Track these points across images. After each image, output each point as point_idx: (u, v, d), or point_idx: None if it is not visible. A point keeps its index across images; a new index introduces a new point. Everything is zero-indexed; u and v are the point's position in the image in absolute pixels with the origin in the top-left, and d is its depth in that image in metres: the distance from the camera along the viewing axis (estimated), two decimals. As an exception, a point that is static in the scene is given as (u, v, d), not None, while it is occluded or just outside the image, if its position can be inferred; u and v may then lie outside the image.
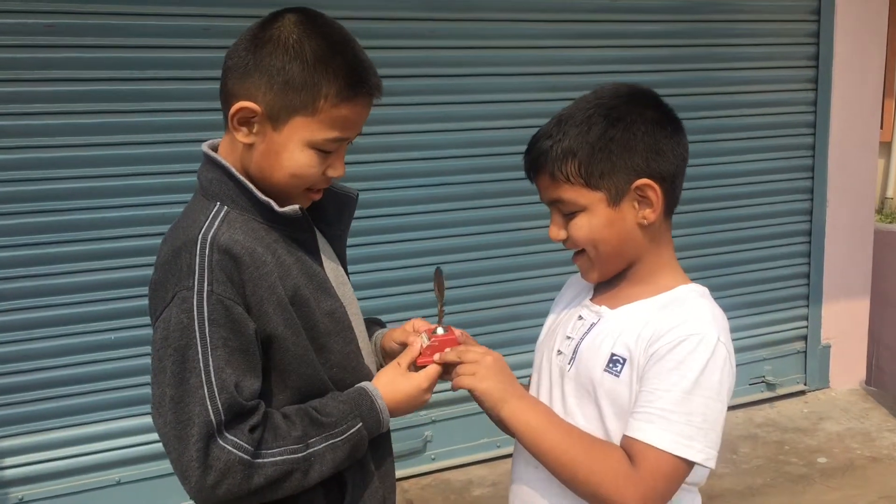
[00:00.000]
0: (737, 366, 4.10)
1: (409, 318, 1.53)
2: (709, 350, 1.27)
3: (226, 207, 1.28)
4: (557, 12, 3.54)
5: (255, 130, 1.26)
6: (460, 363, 1.38)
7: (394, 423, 3.40)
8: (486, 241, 3.53)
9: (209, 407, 1.18)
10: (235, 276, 1.22)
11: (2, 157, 2.83)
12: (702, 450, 1.26)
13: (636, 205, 1.34)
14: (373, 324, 1.61)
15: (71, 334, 2.97)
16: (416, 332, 1.45)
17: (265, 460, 1.22)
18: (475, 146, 3.43)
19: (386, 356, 1.54)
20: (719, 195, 4.02)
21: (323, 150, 1.28)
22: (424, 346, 1.41)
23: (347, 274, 1.49)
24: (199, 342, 1.19)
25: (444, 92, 3.38)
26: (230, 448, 1.18)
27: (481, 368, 1.35)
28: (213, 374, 1.19)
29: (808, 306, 4.30)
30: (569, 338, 1.43)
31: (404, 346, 1.45)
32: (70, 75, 2.85)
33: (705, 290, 1.42)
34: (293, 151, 1.26)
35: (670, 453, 1.24)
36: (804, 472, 3.56)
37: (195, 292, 1.19)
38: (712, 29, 3.87)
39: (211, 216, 1.26)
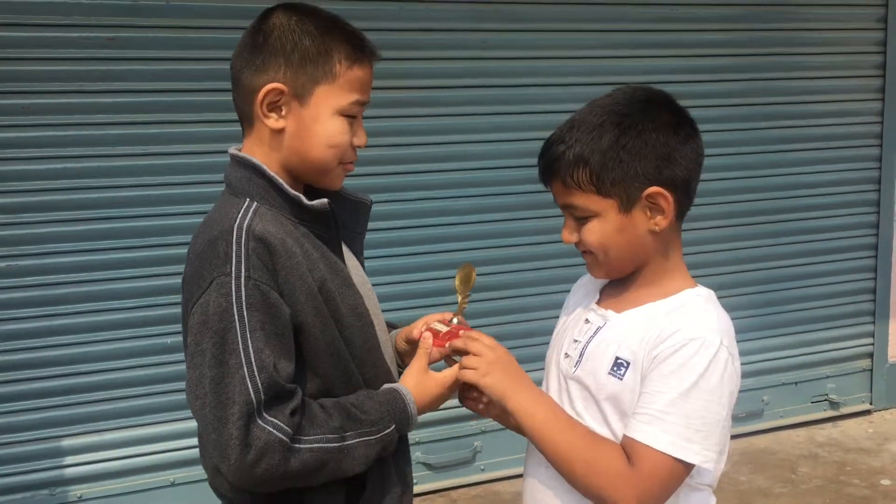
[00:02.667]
0: (799, 383, 3.97)
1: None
2: (710, 353, 1.29)
3: (255, 203, 1.33)
4: (614, 22, 3.51)
5: (283, 113, 1.34)
6: (466, 353, 1.39)
7: (443, 433, 3.37)
8: (540, 252, 3.52)
9: (249, 387, 1.22)
10: (269, 264, 1.27)
11: (68, 166, 2.92)
12: (699, 451, 1.27)
13: (648, 212, 1.35)
14: (389, 327, 1.65)
15: (130, 338, 3.05)
16: (427, 326, 1.50)
17: (302, 445, 1.25)
18: (530, 156, 3.41)
19: (399, 356, 1.59)
20: (783, 207, 3.93)
21: (349, 116, 1.35)
22: (441, 332, 1.46)
23: (367, 275, 1.53)
24: (237, 325, 1.23)
25: (497, 102, 3.38)
26: (270, 429, 1.22)
27: (483, 364, 1.36)
28: (252, 355, 1.23)
29: (874, 323, 4.16)
30: (576, 341, 1.45)
31: (414, 343, 1.50)
32: (131, 87, 2.93)
33: (711, 294, 1.42)
34: (324, 122, 1.34)
35: (667, 454, 1.27)
36: (866, 493, 3.44)
37: (233, 278, 1.24)
38: (775, 38, 3.78)
39: (243, 209, 1.31)
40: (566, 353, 1.45)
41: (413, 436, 3.37)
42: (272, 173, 1.34)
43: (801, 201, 3.95)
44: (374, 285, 1.74)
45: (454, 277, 1.55)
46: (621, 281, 1.43)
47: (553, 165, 1.36)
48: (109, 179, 2.96)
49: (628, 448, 1.30)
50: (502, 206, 3.45)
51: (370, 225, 3.16)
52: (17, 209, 2.90)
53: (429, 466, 3.45)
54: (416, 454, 3.39)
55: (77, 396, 3.03)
